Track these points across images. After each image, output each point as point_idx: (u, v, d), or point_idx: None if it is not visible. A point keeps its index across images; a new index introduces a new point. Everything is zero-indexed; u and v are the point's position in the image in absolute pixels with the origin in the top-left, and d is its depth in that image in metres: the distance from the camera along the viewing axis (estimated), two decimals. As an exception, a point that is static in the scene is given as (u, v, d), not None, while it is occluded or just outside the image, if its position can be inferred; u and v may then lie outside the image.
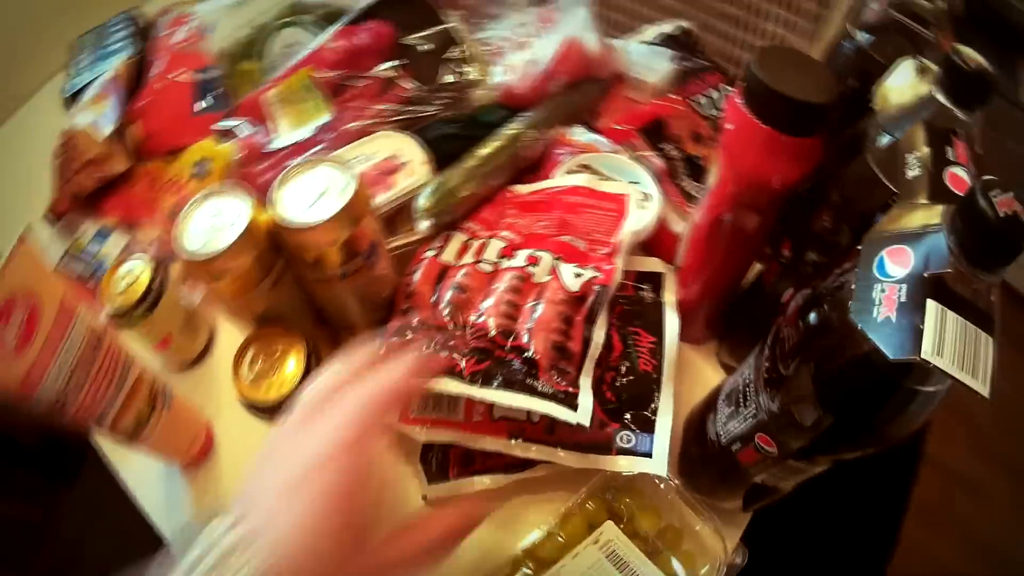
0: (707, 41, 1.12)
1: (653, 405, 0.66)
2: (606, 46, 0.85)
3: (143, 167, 0.90)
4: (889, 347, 0.39)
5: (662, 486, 0.64)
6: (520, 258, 0.68)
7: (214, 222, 0.63)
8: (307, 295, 0.69)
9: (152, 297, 0.72)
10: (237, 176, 0.80)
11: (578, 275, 0.67)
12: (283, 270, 0.66)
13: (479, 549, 0.64)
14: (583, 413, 0.60)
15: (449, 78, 0.78)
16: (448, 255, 0.71)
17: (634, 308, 0.72)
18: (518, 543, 0.64)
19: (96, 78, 0.94)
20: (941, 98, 0.47)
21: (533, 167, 0.80)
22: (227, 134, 0.84)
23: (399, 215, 0.73)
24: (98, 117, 0.89)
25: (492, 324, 0.63)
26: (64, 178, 0.88)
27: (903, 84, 0.53)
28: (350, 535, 0.43)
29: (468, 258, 0.70)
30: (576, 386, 0.62)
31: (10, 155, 1.03)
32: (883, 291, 0.41)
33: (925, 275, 0.40)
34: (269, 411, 0.66)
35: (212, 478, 0.72)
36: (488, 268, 0.68)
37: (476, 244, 0.71)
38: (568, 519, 0.63)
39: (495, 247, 0.70)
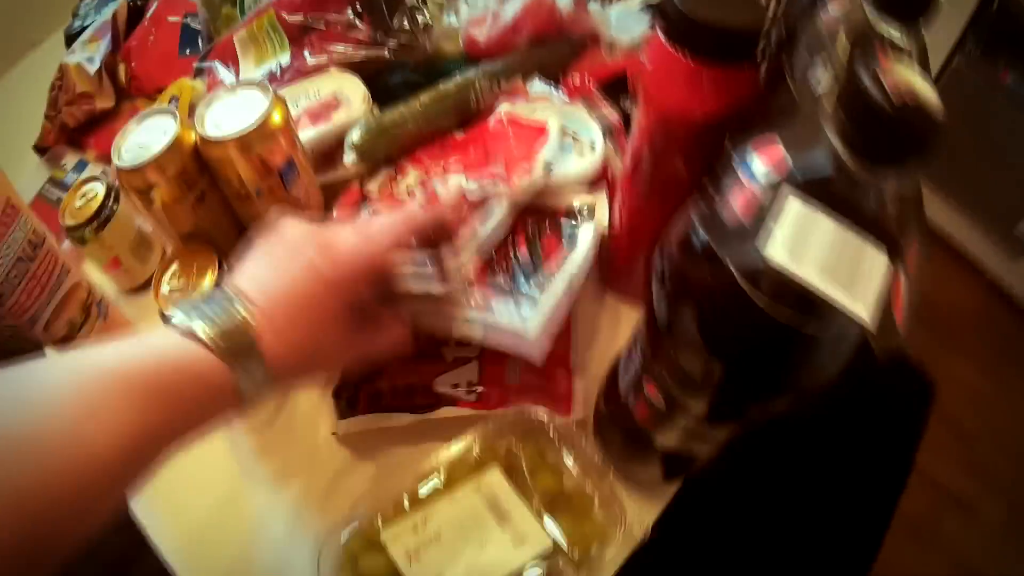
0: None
1: (543, 288, 0.63)
2: (579, 5, 0.84)
3: (129, 104, 0.93)
4: (734, 253, 0.34)
5: (568, 443, 0.61)
6: (435, 184, 0.68)
7: (148, 138, 0.66)
8: (232, 214, 0.70)
9: (104, 216, 0.74)
10: None
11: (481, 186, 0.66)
12: (207, 187, 0.67)
13: (371, 487, 0.64)
14: None
15: (406, 24, 0.78)
16: (371, 186, 0.71)
17: (551, 227, 0.69)
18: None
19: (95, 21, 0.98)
20: (868, 10, 0.40)
21: (484, 115, 0.79)
22: (201, 73, 0.86)
23: (336, 152, 0.73)
24: (92, 55, 0.92)
25: None
26: (54, 110, 0.92)
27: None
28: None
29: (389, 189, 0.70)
30: None
31: (17, 96, 1.08)
32: (742, 190, 0.36)
33: (794, 170, 0.34)
34: None
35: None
36: (404, 196, 0.68)
37: (401, 180, 0.71)
38: (455, 461, 0.60)
39: (414, 176, 0.70)
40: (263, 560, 0.64)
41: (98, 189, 0.76)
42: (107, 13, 0.98)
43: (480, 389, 0.65)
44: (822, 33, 0.47)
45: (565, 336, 0.68)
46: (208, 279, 0.67)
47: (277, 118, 0.63)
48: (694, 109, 0.51)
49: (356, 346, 0.54)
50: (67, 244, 0.76)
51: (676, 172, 0.58)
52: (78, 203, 0.76)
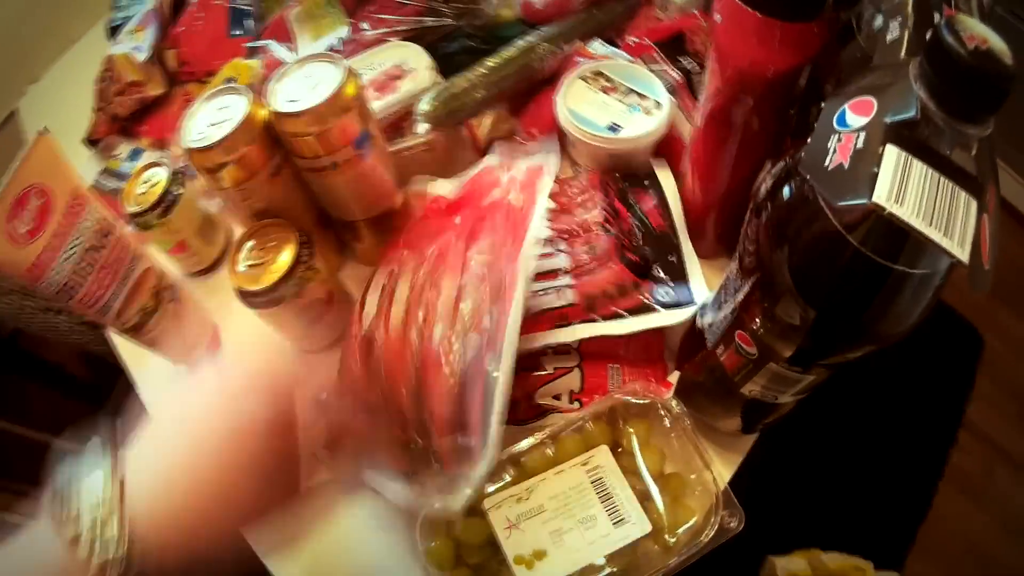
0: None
1: (678, 255, 0.66)
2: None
3: (180, 89, 0.93)
4: (836, 193, 0.35)
5: (673, 426, 0.61)
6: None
7: (217, 117, 0.65)
8: (305, 190, 0.70)
9: (169, 200, 0.74)
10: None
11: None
12: (281, 163, 0.66)
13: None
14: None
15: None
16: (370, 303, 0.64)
17: (628, 185, 0.71)
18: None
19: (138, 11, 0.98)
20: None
21: (549, 79, 0.79)
22: (255, 52, 0.86)
23: (405, 121, 0.73)
24: (138, 43, 0.92)
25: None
26: (104, 101, 0.92)
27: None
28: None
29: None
30: None
31: (61, 93, 1.09)
32: (839, 140, 0.37)
33: (888, 121, 0.35)
34: (255, 296, 0.66)
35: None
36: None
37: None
38: (563, 435, 0.60)
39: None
40: (364, 516, 0.64)
41: (160, 174, 0.76)
42: (150, 2, 0.97)
43: (583, 399, 0.65)
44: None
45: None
46: (288, 254, 0.66)
47: (351, 89, 0.62)
48: (768, 64, 0.51)
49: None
50: (129, 230, 0.76)
51: (752, 126, 0.59)
52: (140, 189, 0.76)
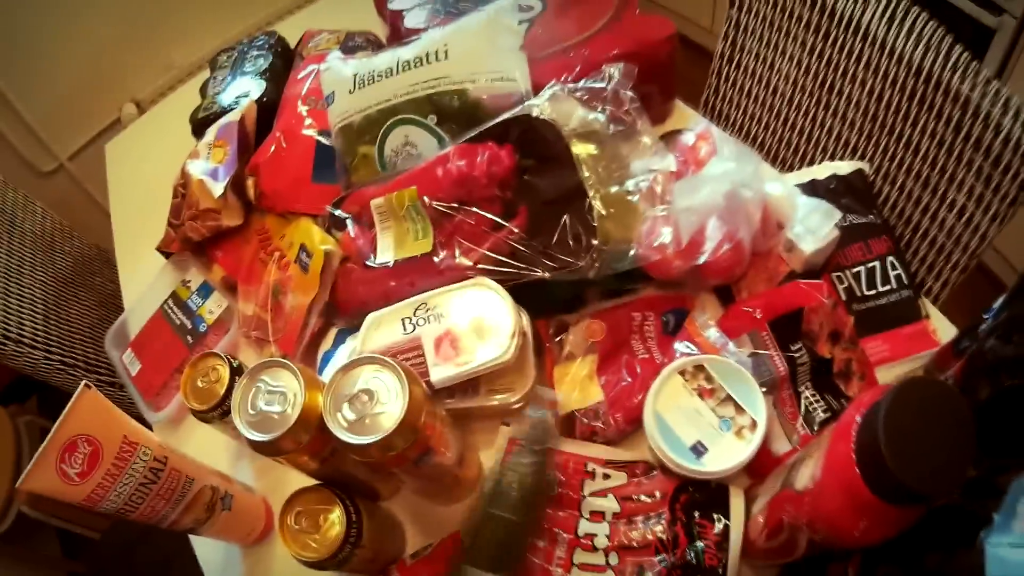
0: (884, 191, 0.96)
1: None
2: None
3: (259, 219, 0.88)
4: None
5: None
6: None
7: (269, 399, 0.62)
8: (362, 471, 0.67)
9: (230, 403, 0.72)
10: (333, 281, 0.78)
11: None
12: (335, 450, 0.63)
13: None
14: None
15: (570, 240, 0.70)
16: None
17: (699, 497, 0.66)
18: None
19: (225, 111, 0.91)
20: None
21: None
22: (335, 222, 0.80)
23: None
24: (216, 166, 0.87)
25: None
26: (177, 219, 0.88)
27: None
28: None
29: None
30: None
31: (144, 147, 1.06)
32: None
33: None
34: (312, 566, 0.66)
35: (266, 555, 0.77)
36: None
37: None
38: None
39: None
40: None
41: (219, 368, 0.75)
42: (234, 113, 0.90)
43: None
44: None
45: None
46: (336, 529, 0.65)
47: (415, 413, 0.58)
48: (858, 533, 0.47)
49: None
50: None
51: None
52: (200, 383, 0.75)
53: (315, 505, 0.67)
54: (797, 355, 0.70)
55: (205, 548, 0.79)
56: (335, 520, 0.66)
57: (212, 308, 0.87)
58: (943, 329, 0.76)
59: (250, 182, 0.87)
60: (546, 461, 0.68)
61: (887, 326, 0.76)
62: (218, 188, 0.84)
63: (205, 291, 0.87)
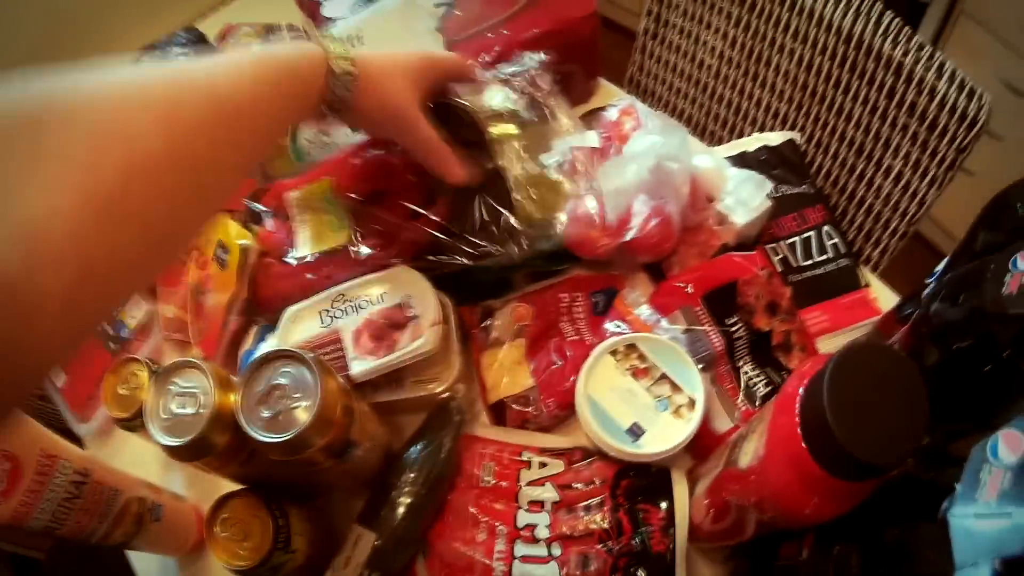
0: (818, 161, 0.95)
1: None
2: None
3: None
4: None
5: None
6: None
7: (181, 401, 0.60)
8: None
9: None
10: (251, 277, 0.75)
11: None
12: (254, 451, 0.60)
13: None
14: None
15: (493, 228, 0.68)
16: None
17: (640, 481, 0.64)
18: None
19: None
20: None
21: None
22: (253, 216, 0.77)
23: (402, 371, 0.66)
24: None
25: None
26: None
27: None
28: None
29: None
30: None
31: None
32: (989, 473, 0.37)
33: None
34: (245, 575, 0.63)
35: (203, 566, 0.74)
36: None
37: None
38: None
39: None
40: None
41: (141, 376, 0.73)
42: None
43: None
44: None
45: None
46: (264, 533, 0.62)
47: (331, 407, 0.55)
48: (809, 510, 0.45)
49: (426, 135, 0.64)
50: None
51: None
52: (121, 390, 0.73)
53: (241, 511, 0.64)
54: (733, 329, 0.68)
55: (143, 562, 0.76)
56: (262, 526, 0.64)
57: (134, 312, 0.84)
58: (884, 297, 0.75)
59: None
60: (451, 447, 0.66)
61: (826, 296, 0.74)
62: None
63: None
